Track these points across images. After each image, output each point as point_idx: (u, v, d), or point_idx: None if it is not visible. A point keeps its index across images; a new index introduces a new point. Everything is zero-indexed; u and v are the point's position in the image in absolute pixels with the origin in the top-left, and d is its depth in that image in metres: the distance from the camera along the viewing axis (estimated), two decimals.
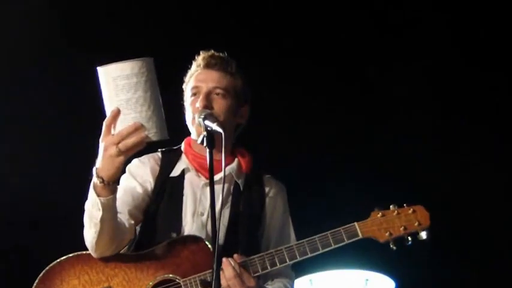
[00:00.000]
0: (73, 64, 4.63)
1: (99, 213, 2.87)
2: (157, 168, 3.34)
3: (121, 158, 2.76)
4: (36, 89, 4.73)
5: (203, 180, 3.28)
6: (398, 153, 4.92)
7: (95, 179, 2.83)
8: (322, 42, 4.84)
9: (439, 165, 4.87)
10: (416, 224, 3.12)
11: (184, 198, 3.27)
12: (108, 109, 2.72)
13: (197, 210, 3.24)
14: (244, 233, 3.26)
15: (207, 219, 3.22)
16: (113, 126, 2.74)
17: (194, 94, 3.26)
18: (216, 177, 3.13)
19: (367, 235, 3.11)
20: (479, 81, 4.79)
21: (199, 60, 3.34)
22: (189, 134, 3.35)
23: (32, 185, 4.74)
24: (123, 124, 2.70)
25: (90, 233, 2.98)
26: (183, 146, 3.40)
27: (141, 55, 2.71)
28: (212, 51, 3.37)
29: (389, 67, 4.85)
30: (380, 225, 3.12)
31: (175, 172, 3.33)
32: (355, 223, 3.13)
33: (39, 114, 4.79)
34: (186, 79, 3.37)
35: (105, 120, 2.74)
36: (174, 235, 3.19)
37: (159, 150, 3.39)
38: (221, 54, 3.36)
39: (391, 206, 3.17)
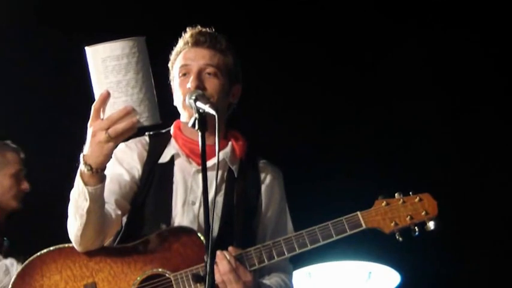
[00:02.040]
0: (57, 43, 4.40)
1: (86, 204, 2.70)
2: (145, 154, 3.15)
3: (110, 144, 2.59)
4: (17, 68, 4.52)
5: (194, 166, 3.10)
6: (402, 138, 4.71)
7: (82, 167, 2.65)
8: (319, 24, 4.65)
9: (447, 155, 4.64)
10: (423, 213, 2.95)
11: (174, 186, 3.09)
12: (97, 92, 2.57)
13: (188, 199, 3.07)
14: (239, 223, 3.08)
15: (199, 209, 3.05)
16: (102, 110, 2.58)
17: (184, 74, 3.07)
18: (209, 163, 2.95)
19: (371, 225, 2.94)
20: (487, 64, 4.58)
21: (187, 37, 3.14)
22: (178, 116, 3.15)
23: None
24: (113, 108, 2.55)
25: (74, 225, 2.80)
26: (172, 129, 3.21)
27: (129, 34, 2.56)
28: (199, 27, 3.17)
29: (390, 51, 4.63)
30: (385, 214, 2.95)
31: (164, 158, 3.15)
32: (358, 212, 2.96)
33: (20, 95, 4.54)
34: (172, 57, 3.17)
35: (94, 104, 2.58)
36: (163, 226, 3.01)
37: (147, 133, 3.20)
38: (209, 30, 3.16)
39: (396, 194, 3.00)
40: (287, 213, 3.24)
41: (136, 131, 2.64)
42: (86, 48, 2.53)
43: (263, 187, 3.19)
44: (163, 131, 3.21)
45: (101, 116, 2.57)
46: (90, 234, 2.82)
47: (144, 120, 2.54)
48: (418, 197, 2.96)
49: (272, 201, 3.20)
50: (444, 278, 5.17)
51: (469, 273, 4.96)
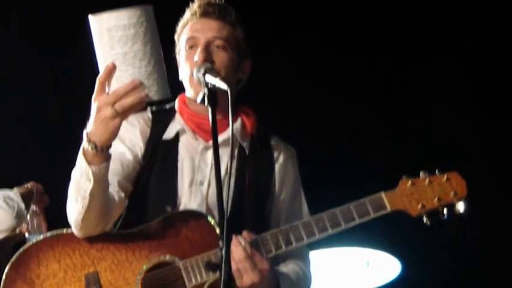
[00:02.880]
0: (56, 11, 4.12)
1: (89, 185, 2.48)
2: (148, 130, 2.94)
3: (117, 121, 2.38)
4: (12, 42, 4.25)
5: (202, 143, 2.90)
6: (425, 114, 4.47)
7: (85, 145, 2.44)
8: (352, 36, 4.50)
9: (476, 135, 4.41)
10: (452, 194, 2.73)
11: (179, 164, 2.88)
12: (102, 64, 2.35)
13: (196, 179, 2.86)
14: (251, 204, 2.88)
15: (207, 189, 2.85)
16: (107, 84, 2.36)
17: (191, 47, 2.86)
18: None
19: (396, 207, 2.72)
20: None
21: (195, 7, 2.93)
22: (181, 91, 2.96)
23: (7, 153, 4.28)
24: (119, 81, 2.34)
25: (75, 208, 2.58)
26: (176, 104, 2.99)
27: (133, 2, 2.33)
28: None
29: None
30: (411, 195, 2.73)
31: (169, 134, 2.93)
32: (382, 193, 2.74)
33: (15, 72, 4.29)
34: (178, 29, 2.97)
35: (99, 77, 2.36)
36: (169, 209, 2.80)
37: (149, 109, 2.98)
38: (219, 1, 2.95)
39: (421, 173, 2.78)
40: (302, 194, 3.04)
41: (144, 106, 2.47)
42: (90, 16, 2.32)
43: (276, 166, 2.98)
44: (167, 106, 3.00)
45: (106, 90, 2.37)
46: (93, 219, 2.61)
47: (154, 94, 2.35)
48: (445, 176, 2.74)
49: (286, 181, 3.00)
50: (449, 266, 4.91)
51: (477, 261, 4.70)
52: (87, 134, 2.42)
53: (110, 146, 2.46)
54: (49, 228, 2.77)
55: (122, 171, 2.81)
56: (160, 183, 2.85)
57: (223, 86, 2.47)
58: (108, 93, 2.36)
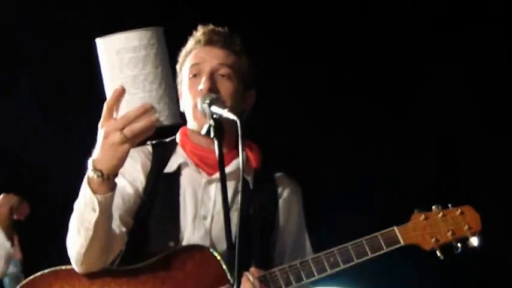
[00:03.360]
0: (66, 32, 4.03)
1: (94, 215, 2.37)
2: (149, 164, 2.83)
3: (125, 147, 2.26)
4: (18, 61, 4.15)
5: (205, 177, 2.80)
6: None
7: (91, 173, 2.32)
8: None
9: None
10: (465, 227, 2.71)
11: (181, 198, 2.79)
12: (110, 88, 2.25)
13: (199, 213, 2.76)
14: (255, 240, 2.78)
15: (211, 224, 2.75)
16: (115, 108, 2.25)
17: (194, 75, 2.79)
18: (217, 174, 2.61)
19: (409, 241, 2.69)
20: None
21: (199, 35, 2.86)
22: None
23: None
24: (129, 106, 2.24)
25: (78, 241, 2.46)
26: (178, 137, 2.90)
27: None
28: (211, 25, 2.89)
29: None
30: (424, 229, 2.70)
31: (171, 167, 2.83)
32: (395, 227, 2.70)
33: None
34: (180, 58, 2.89)
35: (107, 101, 2.25)
36: (171, 243, 2.70)
37: (149, 142, 2.88)
38: (223, 29, 2.89)
39: (433, 207, 2.75)
40: (305, 231, 2.96)
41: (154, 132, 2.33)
42: (98, 39, 2.24)
43: (281, 201, 2.90)
44: (167, 139, 2.92)
45: (114, 115, 2.27)
46: (95, 252, 2.50)
47: (164, 119, 2.24)
48: (459, 210, 2.72)
49: (291, 217, 2.92)
50: None
51: None
52: (93, 161, 2.31)
53: (116, 174, 2.35)
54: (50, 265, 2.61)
55: (123, 205, 2.70)
56: (162, 218, 2.75)
57: (232, 117, 2.39)
58: (116, 118, 2.26)
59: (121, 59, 2.20)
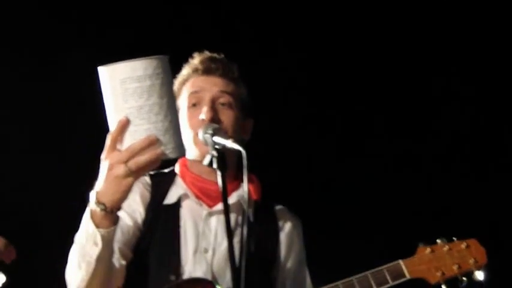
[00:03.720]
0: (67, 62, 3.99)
1: (96, 250, 2.31)
2: (148, 195, 2.78)
3: (130, 180, 2.19)
4: (20, 90, 4.06)
5: (205, 209, 2.76)
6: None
7: (93, 206, 2.25)
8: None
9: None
10: (471, 261, 2.71)
11: (182, 230, 2.73)
12: (114, 119, 2.17)
13: (200, 246, 2.71)
14: (256, 273, 2.68)
15: (212, 257, 2.70)
16: (119, 140, 2.18)
17: (194, 104, 2.76)
18: (218, 206, 2.70)
19: (415, 275, 2.68)
20: None
21: (196, 63, 2.83)
22: None
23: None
24: (133, 137, 2.16)
25: (78, 275, 2.39)
26: (177, 168, 2.85)
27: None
28: (207, 52, 2.87)
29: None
30: (429, 263, 2.70)
31: (170, 199, 2.78)
32: (400, 261, 2.69)
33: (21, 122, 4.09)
34: (176, 86, 2.83)
35: (110, 132, 2.18)
36: (172, 277, 2.63)
37: (147, 173, 2.82)
38: (220, 56, 2.87)
39: (438, 241, 2.75)
40: (305, 265, 2.93)
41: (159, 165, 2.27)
42: (100, 68, 2.17)
43: (281, 235, 2.87)
44: (166, 170, 2.87)
45: (118, 147, 2.19)
46: (96, 286, 2.43)
47: (170, 151, 2.17)
48: (464, 243, 2.73)
49: (292, 251, 2.88)
50: None
51: None
52: (96, 194, 2.24)
53: (119, 207, 2.29)
54: None
55: (122, 237, 2.63)
56: (162, 250, 2.69)
57: (236, 147, 2.35)
58: (120, 151, 2.19)
59: (125, 89, 2.13)
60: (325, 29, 4.38)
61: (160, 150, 2.15)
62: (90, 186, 2.28)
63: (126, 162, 2.16)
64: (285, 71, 4.31)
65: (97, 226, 2.27)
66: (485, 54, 4.36)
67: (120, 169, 2.16)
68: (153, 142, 2.14)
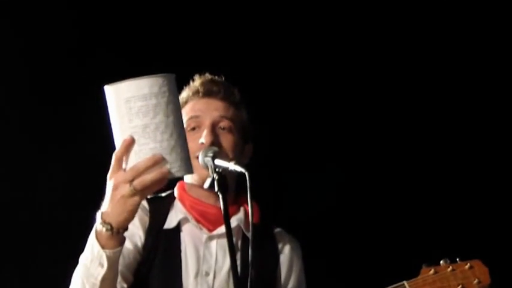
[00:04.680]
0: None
1: (102, 271, 2.27)
2: (147, 220, 2.75)
3: (136, 199, 2.16)
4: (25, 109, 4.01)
5: (205, 233, 2.74)
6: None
7: (99, 226, 2.22)
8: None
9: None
10: (475, 282, 2.70)
11: (183, 255, 2.71)
12: (119, 138, 2.16)
13: (201, 270, 2.70)
14: None
15: (213, 280, 2.69)
16: (124, 159, 2.17)
17: (193, 128, 2.75)
18: (218, 230, 2.71)
19: None
20: None
21: (196, 86, 2.82)
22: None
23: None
24: (138, 157, 2.14)
25: None
26: (176, 191, 2.84)
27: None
28: (208, 75, 2.86)
29: None
30: (433, 284, 2.68)
31: (170, 223, 2.76)
32: (405, 282, 2.68)
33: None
34: None
35: (115, 152, 2.17)
36: None
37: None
38: (221, 79, 2.87)
39: (441, 262, 2.74)
40: (305, 287, 2.93)
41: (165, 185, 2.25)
42: (106, 86, 2.15)
43: (281, 257, 2.86)
44: (163, 194, 2.84)
45: (124, 167, 2.18)
46: None
47: (177, 170, 2.14)
48: (468, 264, 2.71)
49: (292, 273, 2.87)
50: None
51: None
52: (102, 214, 2.21)
53: (126, 228, 2.26)
54: None
55: (123, 261, 2.58)
56: (163, 275, 2.66)
57: (239, 169, 2.35)
58: (125, 170, 2.17)
59: (130, 108, 2.12)
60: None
61: (166, 169, 2.13)
62: (97, 207, 2.26)
63: (131, 181, 2.13)
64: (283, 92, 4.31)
65: (103, 247, 2.24)
66: (485, 55, 4.39)
67: (125, 189, 2.14)
68: (158, 161, 2.12)
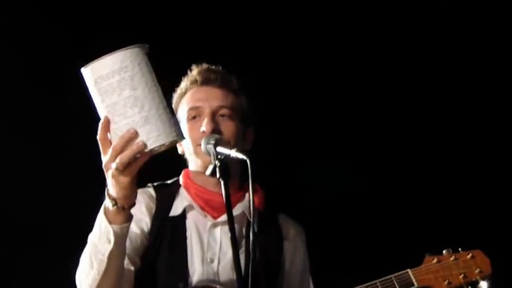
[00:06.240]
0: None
1: (109, 246, 2.30)
2: (153, 206, 2.78)
3: (124, 178, 2.17)
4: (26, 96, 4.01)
5: (210, 220, 2.77)
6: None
7: (107, 202, 2.27)
8: None
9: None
10: (477, 271, 2.76)
11: (188, 241, 2.74)
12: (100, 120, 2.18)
13: (206, 257, 2.73)
14: (262, 282, 2.70)
15: (217, 267, 2.71)
16: (107, 141, 2.17)
17: (193, 117, 2.76)
18: (223, 217, 2.71)
19: (422, 284, 2.73)
20: None
21: (194, 75, 2.84)
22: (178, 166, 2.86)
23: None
24: (116, 135, 2.13)
25: (90, 274, 2.38)
26: (181, 179, 2.86)
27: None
28: (205, 64, 2.88)
29: None
30: (436, 272, 2.75)
31: (176, 211, 2.79)
32: (409, 270, 2.74)
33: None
34: (175, 100, 2.85)
35: (98, 135, 2.17)
36: (180, 285, 2.65)
37: (150, 185, 2.85)
38: (218, 67, 2.89)
39: (444, 251, 2.80)
40: (309, 273, 2.95)
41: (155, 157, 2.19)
42: (82, 69, 2.14)
43: (285, 243, 2.89)
44: (169, 181, 2.89)
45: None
46: (108, 287, 2.40)
47: (154, 141, 2.10)
48: (470, 254, 2.79)
49: (296, 259, 2.91)
50: None
51: None
52: (107, 190, 2.25)
53: (132, 204, 2.28)
54: None
55: (130, 245, 2.62)
56: (169, 261, 2.70)
57: (240, 156, 2.36)
58: None
59: (99, 89, 2.11)
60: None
61: (140, 143, 2.10)
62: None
63: (114, 161, 2.15)
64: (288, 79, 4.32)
65: (110, 222, 2.27)
66: (485, 55, 4.42)
67: (112, 169, 2.15)
68: (131, 136, 2.10)
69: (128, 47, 2.11)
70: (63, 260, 2.76)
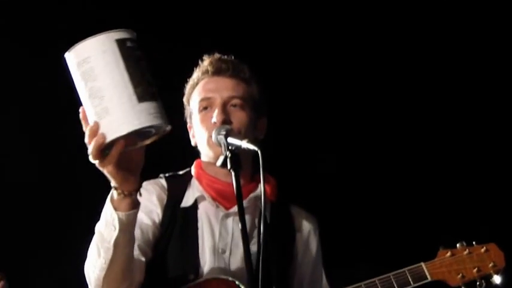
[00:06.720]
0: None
1: (114, 234, 2.30)
2: (165, 197, 2.77)
3: (106, 168, 2.17)
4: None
5: (222, 210, 2.75)
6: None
7: (112, 190, 2.28)
8: None
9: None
10: (491, 265, 2.76)
11: (199, 232, 2.72)
12: None
13: (217, 247, 2.71)
14: (275, 274, 2.70)
15: (229, 257, 2.70)
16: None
17: (205, 108, 2.74)
18: (235, 208, 2.64)
19: (436, 277, 2.73)
20: None
21: (206, 65, 2.82)
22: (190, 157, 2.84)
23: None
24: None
25: (98, 264, 2.38)
26: (193, 169, 2.84)
27: None
28: (217, 54, 2.86)
29: None
30: (450, 266, 2.75)
31: (187, 201, 2.77)
32: (422, 263, 2.74)
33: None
34: (187, 91, 2.85)
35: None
36: (191, 276, 2.63)
37: (162, 175, 2.84)
38: (229, 57, 2.86)
39: (458, 245, 2.80)
40: (321, 264, 2.93)
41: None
42: (65, 55, 2.13)
43: (298, 235, 2.87)
44: (181, 172, 2.87)
45: None
46: (116, 276, 2.40)
47: (114, 132, 2.06)
48: (484, 247, 2.78)
49: (308, 250, 2.89)
50: None
51: None
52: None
53: (134, 190, 2.26)
54: None
55: (141, 235, 2.63)
56: (180, 251, 2.68)
57: (251, 147, 2.33)
58: None
59: (76, 79, 2.10)
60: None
61: (100, 136, 2.07)
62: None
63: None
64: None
65: (115, 209, 2.27)
66: (485, 55, 4.39)
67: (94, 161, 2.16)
68: (93, 128, 2.09)
69: (86, 40, 2.07)
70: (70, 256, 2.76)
